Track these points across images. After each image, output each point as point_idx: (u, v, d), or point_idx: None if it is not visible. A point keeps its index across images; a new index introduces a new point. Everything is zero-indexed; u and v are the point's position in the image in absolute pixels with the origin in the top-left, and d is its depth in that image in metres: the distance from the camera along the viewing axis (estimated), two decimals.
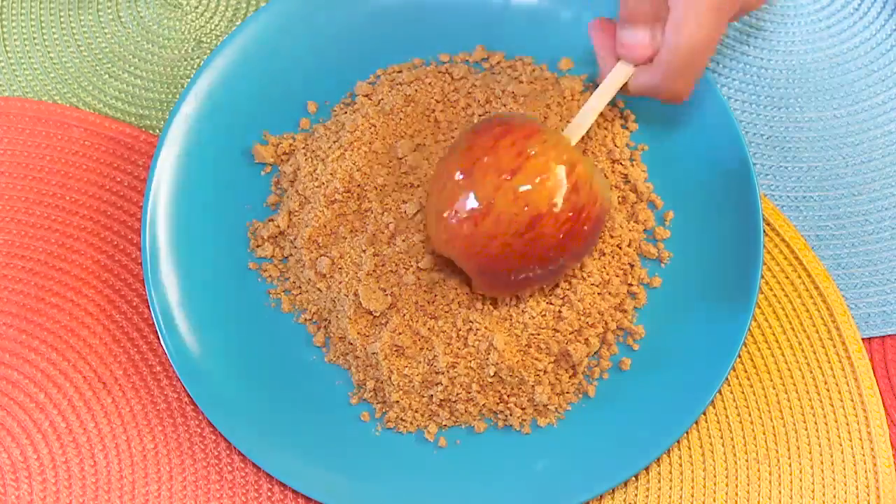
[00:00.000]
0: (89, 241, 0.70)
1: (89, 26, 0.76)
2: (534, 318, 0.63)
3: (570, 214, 0.58)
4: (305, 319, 0.67)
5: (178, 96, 0.74)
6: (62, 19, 0.77)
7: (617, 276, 0.66)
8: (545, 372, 0.63)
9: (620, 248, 0.66)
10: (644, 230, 0.68)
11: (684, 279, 0.67)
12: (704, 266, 0.67)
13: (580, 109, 0.62)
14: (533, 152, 0.58)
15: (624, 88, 0.63)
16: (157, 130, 0.74)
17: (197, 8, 0.76)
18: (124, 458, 0.66)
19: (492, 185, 0.58)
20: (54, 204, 0.71)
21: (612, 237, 0.66)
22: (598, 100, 0.62)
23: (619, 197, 0.68)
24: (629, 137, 0.70)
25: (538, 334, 0.63)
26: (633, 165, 0.69)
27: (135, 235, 0.71)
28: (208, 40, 0.76)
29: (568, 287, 0.64)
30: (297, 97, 0.71)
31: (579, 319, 0.64)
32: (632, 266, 0.67)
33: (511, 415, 0.64)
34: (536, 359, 0.63)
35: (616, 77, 0.62)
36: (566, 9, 0.71)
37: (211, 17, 0.76)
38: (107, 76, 0.75)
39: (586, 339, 0.64)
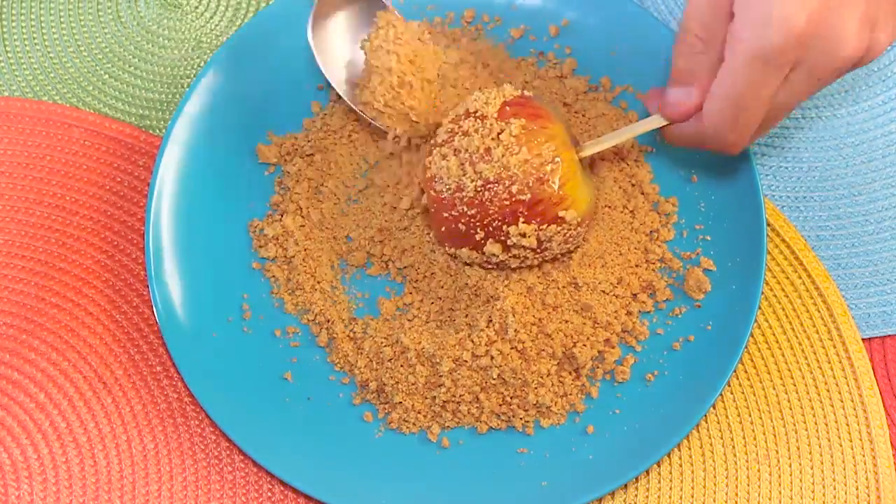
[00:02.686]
0: (89, 241, 0.70)
1: (89, 26, 0.76)
2: (538, 320, 0.63)
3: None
4: (309, 320, 0.67)
5: (178, 96, 0.74)
6: (62, 19, 0.76)
7: (623, 279, 0.66)
8: (548, 374, 0.63)
9: (626, 251, 0.66)
10: (649, 231, 0.68)
11: (687, 280, 0.67)
12: (707, 267, 0.67)
13: (606, 134, 0.63)
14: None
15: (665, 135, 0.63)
16: (158, 131, 0.74)
17: (197, 8, 0.76)
18: (124, 458, 0.66)
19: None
20: (55, 204, 0.71)
21: (621, 238, 0.66)
22: (621, 136, 0.62)
23: (626, 199, 0.68)
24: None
25: (542, 336, 0.63)
26: (638, 166, 0.69)
27: (135, 235, 0.70)
28: (208, 40, 0.76)
29: (573, 289, 0.64)
30: (300, 97, 0.71)
31: (584, 322, 0.64)
32: (637, 268, 0.67)
33: (514, 416, 0.64)
34: (540, 361, 0.63)
35: (650, 123, 0.62)
36: (570, 10, 0.71)
37: (211, 17, 0.76)
38: (107, 76, 0.75)
39: (591, 342, 0.64)
